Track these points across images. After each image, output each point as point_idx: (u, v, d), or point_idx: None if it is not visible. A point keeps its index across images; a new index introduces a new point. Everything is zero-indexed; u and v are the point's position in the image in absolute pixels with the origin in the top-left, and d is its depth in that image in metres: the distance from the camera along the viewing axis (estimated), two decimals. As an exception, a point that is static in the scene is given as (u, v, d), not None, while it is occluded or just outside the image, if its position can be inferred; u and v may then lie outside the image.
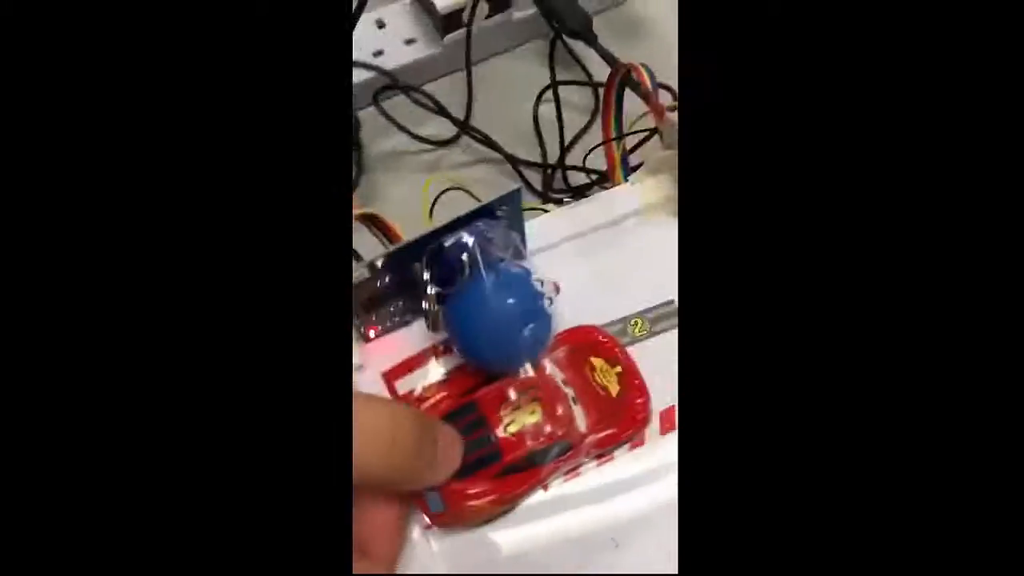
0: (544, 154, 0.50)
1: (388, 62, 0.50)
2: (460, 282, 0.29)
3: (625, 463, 0.32)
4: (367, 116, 0.49)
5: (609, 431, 0.31)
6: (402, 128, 0.49)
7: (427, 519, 0.29)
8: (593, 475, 0.31)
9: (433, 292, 0.30)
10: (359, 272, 0.30)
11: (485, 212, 0.30)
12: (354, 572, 0.27)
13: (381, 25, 0.52)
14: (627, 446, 0.32)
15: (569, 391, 0.31)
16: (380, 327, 0.34)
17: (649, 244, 0.36)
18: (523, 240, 0.33)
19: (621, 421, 0.31)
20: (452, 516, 0.29)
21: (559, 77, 0.51)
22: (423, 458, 0.27)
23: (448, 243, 0.29)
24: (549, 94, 0.51)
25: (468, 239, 0.29)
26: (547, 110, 0.52)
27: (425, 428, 0.27)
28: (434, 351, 0.33)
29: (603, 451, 0.31)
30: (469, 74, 0.51)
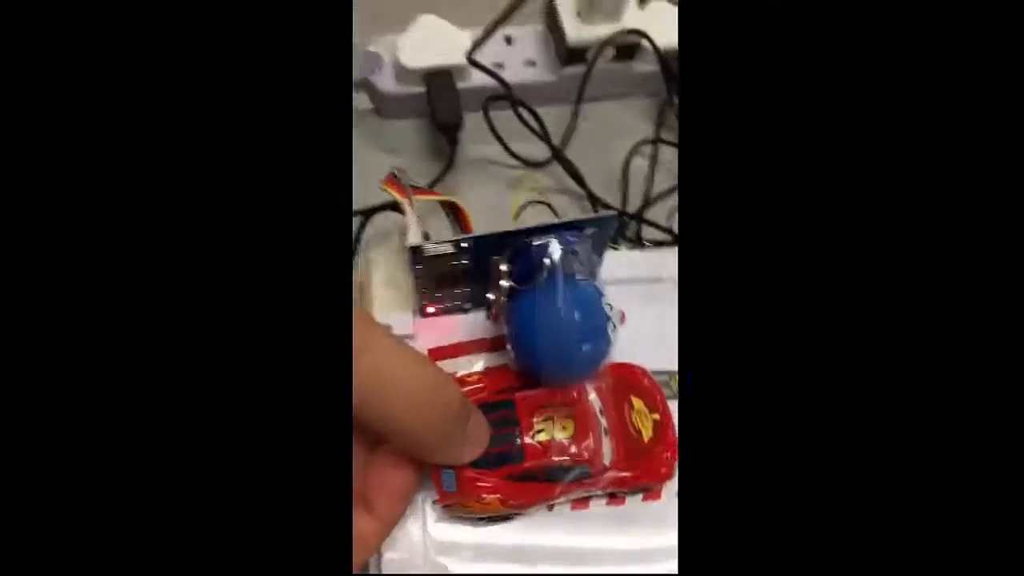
0: (624, 202, 0.51)
1: (505, 76, 0.51)
2: (535, 282, 0.30)
3: (635, 505, 0.32)
4: (472, 119, 0.51)
5: (630, 473, 0.31)
6: (499, 139, 0.50)
7: (436, 495, 0.30)
8: (599, 510, 0.32)
9: (506, 285, 0.31)
10: (443, 246, 0.30)
11: (576, 226, 0.31)
12: (355, 524, 0.27)
13: (509, 41, 0.54)
14: (640, 495, 0.32)
15: (604, 421, 0.32)
16: (439, 307, 0.34)
17: None
18: (600, 266, 0.33)
19: (645, 467, 0.31)
20: (459, 500, 0.29)
21: (662, 137, 0.52)
22: (456, 431, 0.27)
23: (536, 243, 0.30)
24: (644, 149, 0.52)
25: (555, 245, 0.30)
26: (639, 164, 0.53)
27: (464, 405, 0.27)
28: (482, 344, 0.34)
29: (618, 491, 0.32)
30: (577, 106, 0.52)
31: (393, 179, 0.33)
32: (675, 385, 0.35)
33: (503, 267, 0.31)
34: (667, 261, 0.38)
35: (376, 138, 0.53)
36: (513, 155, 0.51)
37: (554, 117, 0.53)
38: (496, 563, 0.31)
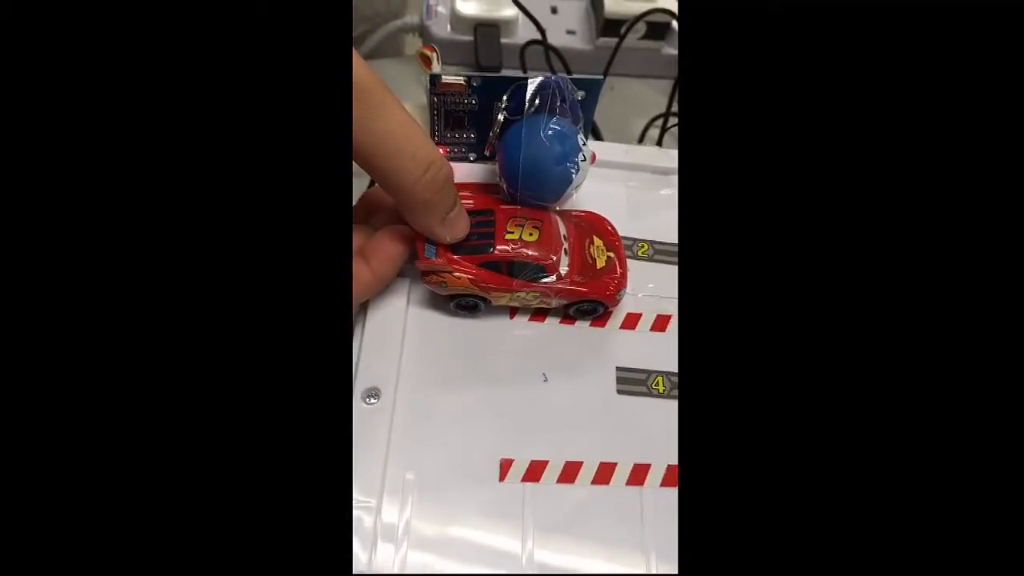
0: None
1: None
2: (526, 113, 0.37)
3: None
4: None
5: (581, 287, 0.37)
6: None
7: (419, 260, 0.36)
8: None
9: (501, 119, 0.37)
10: (456, 79, 0.37)
11: (570, 79, 0.38)
12: (355, 270, 0.34)
13: (554, 11, 0.62)
14: (588, 322, 0.38)
15: (566, 243, 0.38)
16: (449, 150, 0.41)
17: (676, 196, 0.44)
18: (588, 125, 0.40)
19: (594, 286, 0.38)
20: (436, 268, 0.35)
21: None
22: (441, 200, 0.33)
23: (531, 80, 0.37)
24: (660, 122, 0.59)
25: (550, 82, 0.36)
26: (653, 136, 0.59)
27: (452, 184, 0.34)
28: (478, 187, 0.40)
29: (570, 299, 0.37)
30: (606, 72, 0.60)
31: (430, 47, 0.41)
32: (639, 250, 0.41)
33: (503, 102, 0.37)
34: (646, 153, 0.45)
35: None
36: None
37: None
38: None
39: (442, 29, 0.60)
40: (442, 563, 0.32)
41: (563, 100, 0.37)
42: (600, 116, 0.59)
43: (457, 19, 0.59)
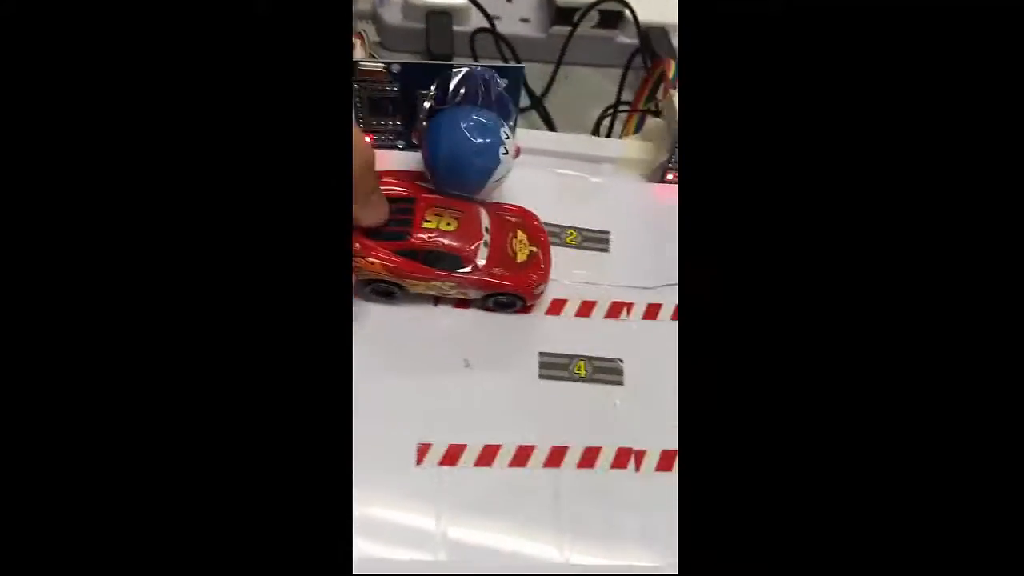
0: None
1: (499, 28, 0.60)
2: (450, 103, 0.38)
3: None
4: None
5: (498, 279, 0.39)
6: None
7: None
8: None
9: (427, 106, 0.39)
10: (376, 65, 0.39)
11: (493, 68, 0.39)
12: None
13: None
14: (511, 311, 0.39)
15: (487, 236, 0.39)
16: (376, 137, 0.42)
17: (609, 187, 0.46)
18: (515, 114, 0.41)
19: (515, 279, 0.39)
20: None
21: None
22: (362, 185, 0.35)
23: (455, 71, 0.38)
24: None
25: (476, 73, 0.38)
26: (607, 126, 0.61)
27: (372, 169, 0.35)
28: (404, 174, 0.42)
29: (486, 291, 0.39)
30: (559, 62, 0.61)
31: (358, 34, 0.42)
32: (566, 237, 0.43)
33: (431, 90, 0.39)
34: (579, 141, 0.46)
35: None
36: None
37: (537, 75, 0.62)
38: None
39: (394, 16, 0.61)
40: (358, 542, 0.33)
41: (489, 92, 0.39)
42: (554, 105, 0.60)
43: (409, 6, 0.60)
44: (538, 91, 0.60)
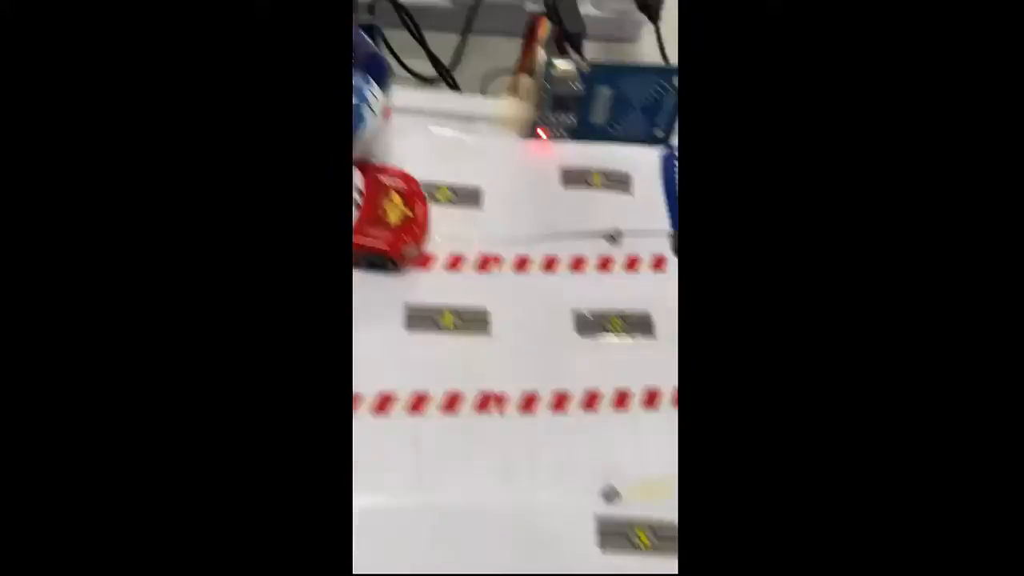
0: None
1: (402, -1, 0.61)
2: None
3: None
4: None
5: (366, 239, 0.41)
6: (392, 52, 0.60)
7: None
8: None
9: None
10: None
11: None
12: None
13: (410, -32, 0.65)
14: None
15: (358, 197, 0.41)
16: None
17: (481, 144, 0.48)
18: (385, 72, 0.43)
19: (387, 239, 0.41)
20: None
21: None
22: None
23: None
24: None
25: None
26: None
27: None
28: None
29: (355, 252, 0.41)
30: (466, 32, 0.62)
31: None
32: (438, 195, 0.45)
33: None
34: (454, 99, 0.50)
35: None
36: (405, 68, 0.61)
37: (447, 42, 0.63)
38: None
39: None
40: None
41: (356, 52, 0.40)
42: (465, 77, 0.62)
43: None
44: (445, 60, 0.61)
